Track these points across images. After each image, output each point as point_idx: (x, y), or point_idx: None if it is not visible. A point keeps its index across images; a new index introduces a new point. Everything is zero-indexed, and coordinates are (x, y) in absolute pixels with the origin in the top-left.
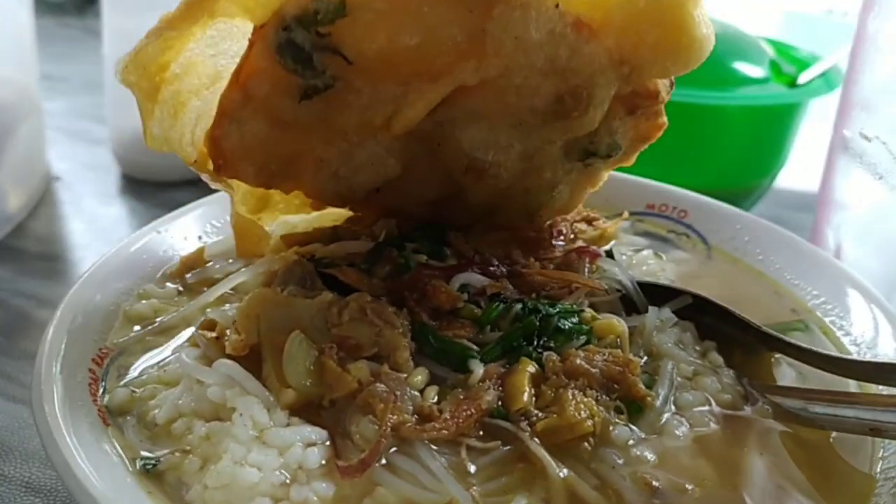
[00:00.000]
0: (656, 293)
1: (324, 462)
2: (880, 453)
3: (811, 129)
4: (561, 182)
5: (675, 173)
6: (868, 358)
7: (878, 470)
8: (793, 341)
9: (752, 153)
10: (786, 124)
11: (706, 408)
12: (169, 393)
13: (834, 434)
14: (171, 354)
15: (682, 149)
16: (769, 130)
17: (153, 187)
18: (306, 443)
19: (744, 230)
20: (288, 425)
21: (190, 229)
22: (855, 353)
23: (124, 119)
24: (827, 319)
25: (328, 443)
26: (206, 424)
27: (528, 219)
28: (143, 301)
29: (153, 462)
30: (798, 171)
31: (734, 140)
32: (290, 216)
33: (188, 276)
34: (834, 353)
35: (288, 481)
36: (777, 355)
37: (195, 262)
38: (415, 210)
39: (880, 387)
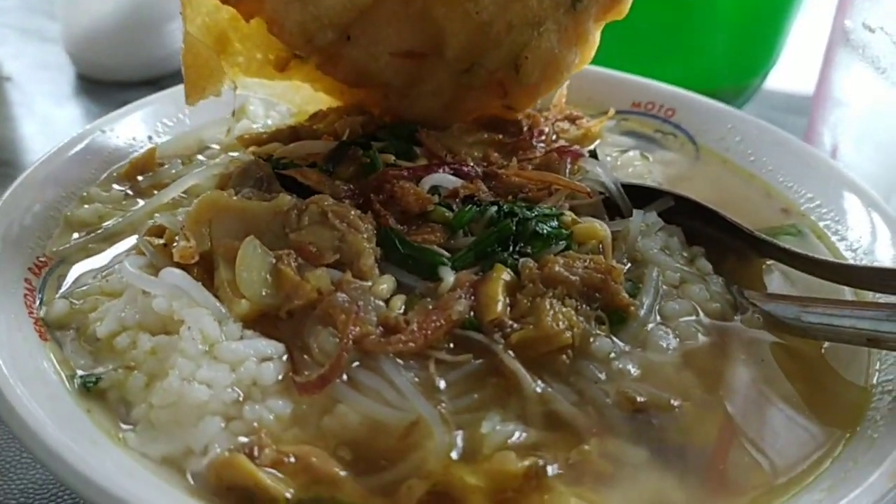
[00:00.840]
0: (641, 196)
1: (280, 378)
2: (876, 366)
3: (803, 25)
4: (548, 19)
5: (661, 70)
6: (865, 263)
7: (874, 382)
8: (786, 246)
9: (744, 47)
10: (780, 13)
11: (693, 318)
12: (111, 305)
13: (826, 345)
14: (115, 263)
15: (669, 42)
16: (762, 20)
17: (110, 87)
18: (261, 357)
19: (735, 129)
20: (241, 339)
21: (139, 128)
22: (851, 259)
23: (77, 14)
24: (821, 224)
25: (285, 357)
26: (151, 338)
27: (513, 69)
28: (86, 206)
29: (94, 379)
30: (790, 71)
31: (725, 31)
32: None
33: (140, 179)
34: (830, 258)
35: (241, 399)
36: (769, 262)
37: (146, 163)
38: (386, 73)
39: (877, 294)
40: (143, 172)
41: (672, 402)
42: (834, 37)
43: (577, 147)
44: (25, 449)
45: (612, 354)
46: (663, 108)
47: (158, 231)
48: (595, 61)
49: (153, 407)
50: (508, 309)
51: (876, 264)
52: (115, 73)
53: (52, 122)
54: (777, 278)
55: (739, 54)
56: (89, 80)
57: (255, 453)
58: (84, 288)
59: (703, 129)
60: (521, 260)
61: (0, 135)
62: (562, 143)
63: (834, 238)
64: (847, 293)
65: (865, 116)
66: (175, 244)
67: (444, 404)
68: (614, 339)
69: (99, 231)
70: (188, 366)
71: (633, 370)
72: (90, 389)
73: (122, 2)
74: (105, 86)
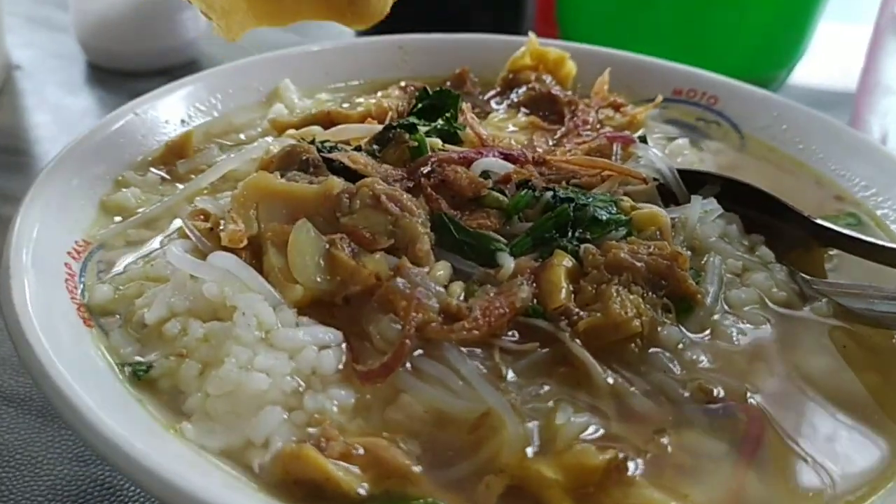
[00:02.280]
0: (694, 182)
1: (341, 367)
2: None
3: (829, 21)
4: None
5: (687, 61)
6: None
7: None
8: (851, 233)
9: (772, 38)
10: (809, 4)
11: (759, 306)
12: (159, 290)
13: None
14: (159, 248)
15: (695, 33)
16: (791, 11)
17: (122, 77)
18: (320, 345)
19: (781, 117)
20: (297, 326)
21: (172, 111)
22: None
23: (88, 3)
24: (879, 212)
25: (344, 345)
26: (203, 325)
27: None
28: (123, 190)
29: (144, 367)
30: (815, 66)
31: (752, 22)
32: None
33: (177, 163)
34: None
35: (301, 388)
36: (831, 251)
37: (182, 147)
38: None
39: None
40: (180, 157)
41: (748, 393)
42: (882, 23)
43: (628, 132)
44: (82, 441)
45: (681, 344)
46: (706, 95)
47: (202, 214)
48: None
49: (209, 396)
50: (572, 296)
51: None
52: (127, 62)
53: (63, 112)
54: (839, 268)
55: (767, 45)
56: (101, 69)
57: (323, 445)
58: (127, 273)
59: (748, 118)
60: (584, 246)
61: (12, 124)
62: (608, 129)
63: (894, 227)
64: None
65: None
66: (221, 228)
67: (513, 394)
68: (682, 328)
69: (137, 216)
70: (244, 353)
71: (704, 360)
72: (141, 378)
73: None
74: (117, 75)
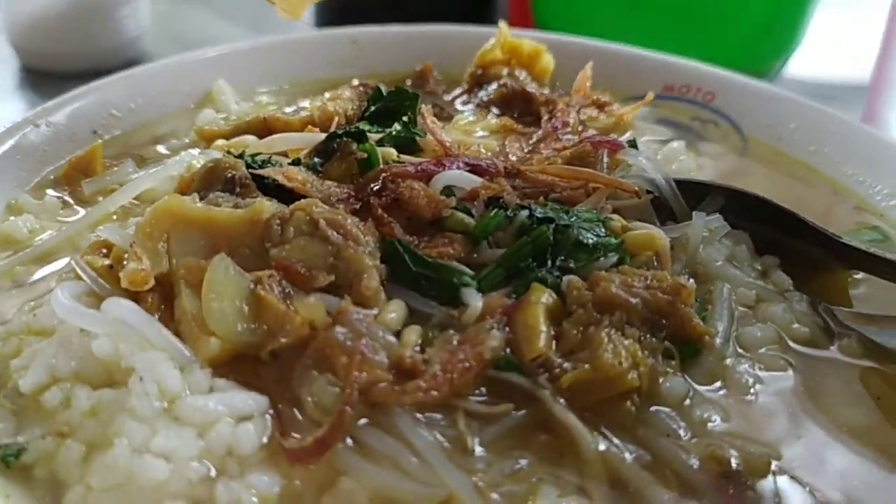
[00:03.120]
0: (694, 194)
1: (264, 443)
2: None
3: (822, 12)
4: None
5: (679, 52)
6: None
7: None
8: (882, 253)
9: (767, 26)
10: None
11: (778, 346)
12: (40, 347)
13: None
14: (46, 291)
15: (688, 21)
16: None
17: (57, 80)
18: (238, 416)
19: (789, 116)
20: (211, 391)
21: (83, 121)
22: None
23: (20, 3)
24: None
25: (270, 415)
26: (91, 393)
27: None
28: (13, 218)
29: (15, 451)
30: (809, 57)
31: (748, 10)
32: None
33: (83, 183)
34: None
35: (213, 474)
36: (857, 275)
37: (88, 163)
38: None
39: None
40: (86, 175)
41: (770, 460)
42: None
43: (614, 136)
44: None
45: (688, 399)
46: (701, 91)
47: (102, 248)
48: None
49: (92, 490)
50: (554, 342)
51: None
52: (63, 63)
53: None
54: (868, 296)
55: (760, 33)
56: (34, 72)
57: None
58: (6, 325)
59: (750, 116)
60: (566, 278)
61: None
62: (591, 132)
63: None
64: None
65: None
66: (123, 265)
67: (480, 474)
68: (687, 378)
69: (28, 249)
70: (140, 431)
71: (716, 419)
72: (10, 465)
73: None
74: (52, 78)
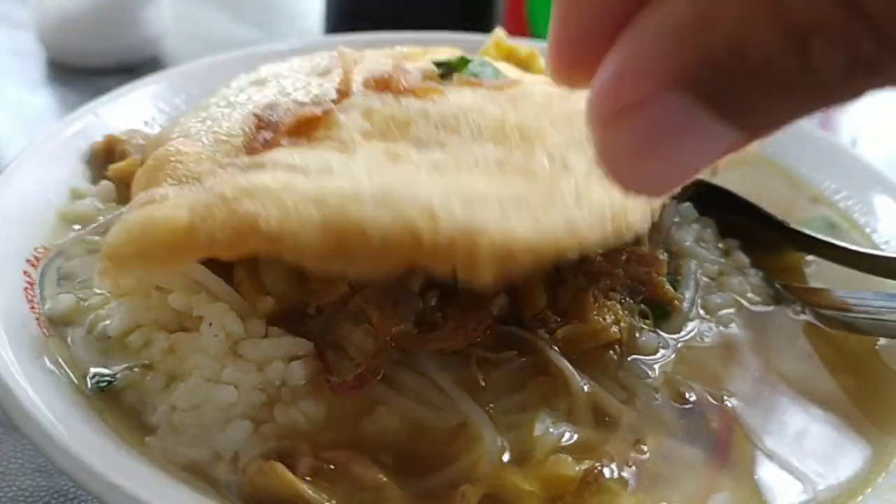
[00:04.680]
0: None
1: (310, 378)
2: None
3: None
4: None
5: None
6: None
7: None
8: (829, 239)
9: None
10: None
11: (734, 310)
12: (123, 300)
13: (881, 341)
14: None
15: None
16: None
17: (84, 74)
18: (289, 356)
19: None
20: (266, 336)
21: (135, 113)
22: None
23: (49, 0)
24: (853, 216)
25: (315, 356)
26: (169, 336)
27: None
28: (80, 200)
29: (108, 379)
30: None
31: None
32: None
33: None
34: (874, 251)
35: (270, 401)
36: (808, 257)
37: (106, 153)
38: None
39: None
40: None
41: (724, 397)
42: None
43: None
44: (43, 455)
45: (659, 349)
46: None
47: None
48: None
49: (176, 409)
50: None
51: None
52: (89, 59)
53: (23, 110)
54: (816, 274)
55: None
56: (62, 66)
57: (293, 460)
58: (90, 282)
59: None
60: None
61: None
62: None
63: (868, 230)
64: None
65: (889, 104)
66: None
67: (490, 405)
68: (660, 333)
69: (97, 224)
70: (211, 365)
71: (680, 366)
72: (104, 390)
73: None
74: (78, 73)
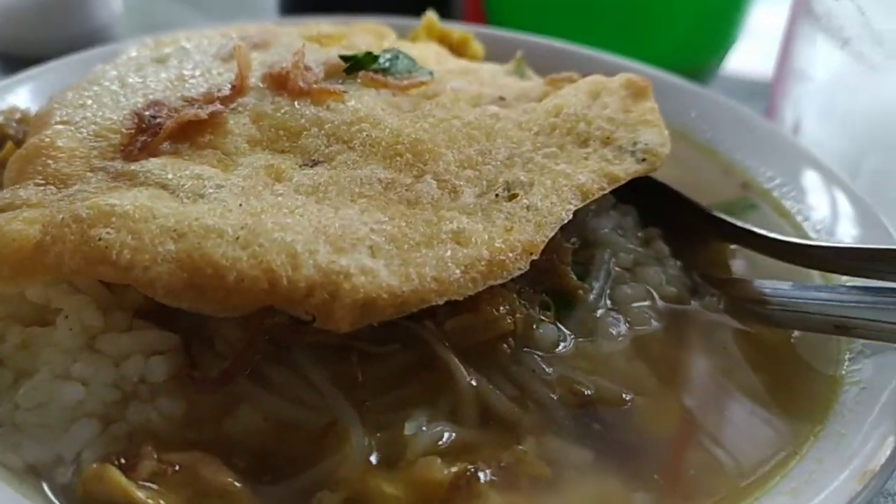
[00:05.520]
0: None
1: (172, 375)
2: (846, 355)
3: (760, 9)
4: None
5: (619, 51)
6: (833, 243)
7: (843, 373)
8: (748, 227)
9: (702, 26)
10: None
11: (647, 303)
12: None
13: (796, 333)
14: None
15: (627, 23)
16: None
17: (32, 64)
18: (151, 350)
19: (691, 104)
20: (130, 329)
21: (36, 96)
22: (816, 240)
23: None
24: (784, 202)
25: (180, 351)
26: (23, 330)
27: None
28: None
29: None
30: (747, 55)
31: (683, 11)
32: None
33: None
34: (796, 239)
35: (125, 399)
36: (733, 246)
37: None
38: None
39: (845, 278)
40: None
41: (623, 395)
42: (796, 8)
43: None
44: None
45: (559, 344)
46: None
47: None
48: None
49: (19, 408)
50: None
51: (840, 244)
52: (37, 49)
53: None
54: (742, 264)
55: (698, 34)
56: (9, 57)
57: (133, 464)
58: None
59: (661, 104)
60: None
61: None
62: None
63: (798, 218)
64: (815, 278)
65: (829, 90)
66: None
67: (367, 402)
68: (560, 325)
69: None
70: (62, 359)
71: (581, 361)
72: None
73: None
74: (26, 63)
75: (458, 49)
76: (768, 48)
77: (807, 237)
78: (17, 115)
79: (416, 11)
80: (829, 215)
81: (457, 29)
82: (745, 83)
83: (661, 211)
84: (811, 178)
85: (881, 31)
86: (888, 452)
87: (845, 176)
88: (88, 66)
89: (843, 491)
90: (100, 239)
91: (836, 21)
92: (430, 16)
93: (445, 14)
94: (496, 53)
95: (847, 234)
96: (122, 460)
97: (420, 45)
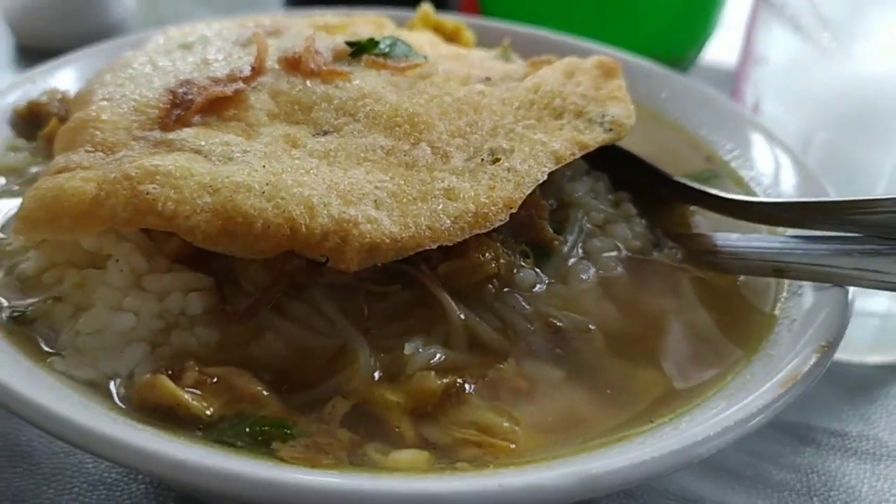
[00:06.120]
0: None
1: (208, 308)
2: (783, 294)
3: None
4: None
5: (606, 39)
6: (774, 199)
7: (778, 311)
8: (704, 189)
9: (681, 17)
10: None
11: (614, 253)
12: (39, 244)
13: (742, 278)
14: None
15: (606, 13)
16: None
17: (50, 56)
18: (189, 288)
19: (661, 86)
20: (170, 271)
21: (71, 80)
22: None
23: None
24: (740, 172)
25: (214, 289)
26: (79, 272)
27: None
28: (13, 153)
29: (21, 311)
30: (726, 46)
31: (665, 4)
32: None
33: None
34: (740, 196)
35: (168, 327)
36: (692, 207)
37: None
38: None
39: (785, 229)
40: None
41: (589, 326)
42: None
43: None
44: None
45: (536, 286)
46: None
47: None
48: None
49: (79, 334)
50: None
51: (780, 200)
52: (55, 42)
53: None
54: (702, 223)
55: (676, 25)
56: (28, 49)
57: (179, 375)
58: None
59: (635, 87)
60: None
61: None
62: None
63: (752, 184)
64: (763, 231)
65: (784, 72)
66: None
67: (372, 331)
68: (538, 271)
69: (25, 177)
70: (114, 295)
71: (555, 300)
72: (17, 320)
73: None
74: (45, 55)
75: (451, 37)
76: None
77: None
78: (59, 96)
79: (414, 4)
80: (776, 179)
81: (450, 19)
82: (720, 72)
83: (630, 178)
84: (763, 149)
85: (828, 17)
86: (808, 366)
87: (798, 149)
88: (118, 53)
89: (768, 394)
90: (147, 193)
91: (789, 9)
92: (426, 7)
93: (441, 6)
94: (486, 41)
95: (790, 194)
96: (170, 371)
97: (416, 34)
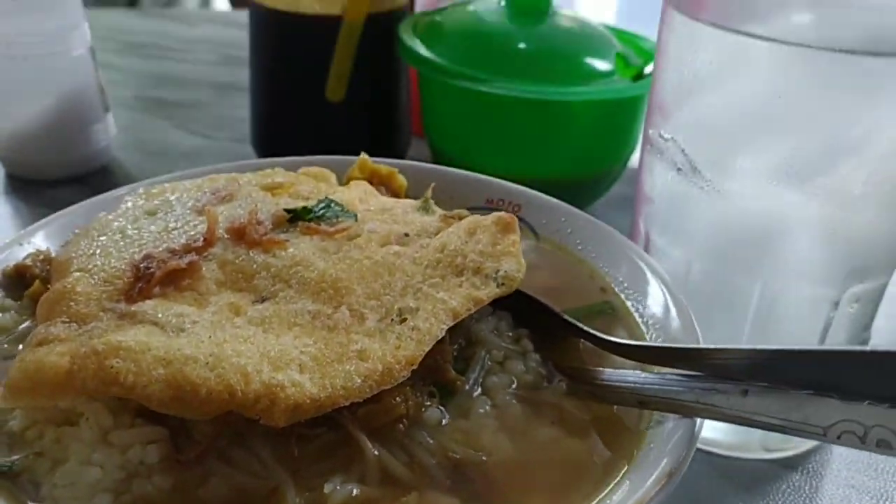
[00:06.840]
0: None
1: (162, 457)
2: (650, 419)
3: None
4: None
5: (527, 164)
6: (655, 343)
7: (646, 431)
8: (584, 328)
9: (601, 142)
10: (631, 115)
11: (511, 388)
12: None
13: (616, 407)
14: None
15: (532, 141)
16: (615, 121)
17: (38, 186)
18: (147, 440)
19: (567, 222)
20: (132, 426)
21: (55, 235)
22: (646, 334)
23: (3, 118)
24: (628, 303)
25: (168, 440)
26: (56, 429)
27: None
28: (2, 314)
29: (8, 465)
30: None
31: (581, 132)
32: None
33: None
34: (615, 339)
35: (129, 476)
36: (582, 341)
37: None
38: None
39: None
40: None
41: (482, 457)
42: (644, 143)
43: None
44: None
45: (441, 422)
46: (511, 203)
47: None
48: (466, 158)
49: (56, 486)
50: None
51: (665, 343)
52: (44, 172)
53: None
54: (591, 352)
55: (599, 148)
56: (18, 178)
57: None
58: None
59: (544, 223)
60: None
61: None
62: None
63: (636, 316)
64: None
65: (667, 210)
66: None
67: (301, 471)
68: (442, 408)
69: (13, 334)
70: (85, 451)
71: (456, 434)
72: (5, 474)
73: (48, 107)
74: (33, 184)
75: (386, 181)
76: None
77: (643, 334)
78: (41, 257)
79: (372, 142)
80: (660, 313)
81: (384, 165)
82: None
83: (529, 316)
84: (649, 283)
85: (697, 164)
86: (659, 486)
87: (680, 277)
88: (92, 212)
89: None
90: (112, 367)
91: (669, 155)
92: (364, 157)
93: (397, 139)
94: (417, 184)
95: (672, 329)
96: None
97: (352, 186)
